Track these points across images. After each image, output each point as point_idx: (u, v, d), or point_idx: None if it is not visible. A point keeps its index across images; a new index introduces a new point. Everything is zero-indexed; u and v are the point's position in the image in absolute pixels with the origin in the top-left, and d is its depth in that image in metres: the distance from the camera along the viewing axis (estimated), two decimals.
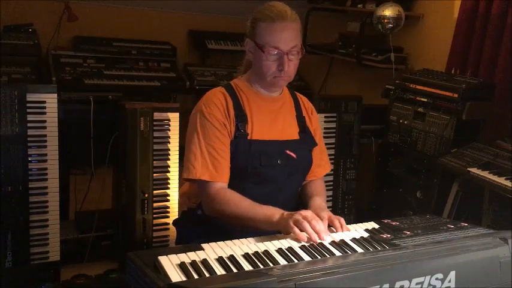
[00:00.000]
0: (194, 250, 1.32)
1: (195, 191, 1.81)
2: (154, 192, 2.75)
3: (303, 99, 1.96)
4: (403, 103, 3.19)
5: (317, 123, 1.97)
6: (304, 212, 1.52)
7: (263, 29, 1.70)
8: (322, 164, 1.96)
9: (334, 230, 1.58)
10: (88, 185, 2.97)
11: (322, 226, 1.49)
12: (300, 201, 1.90)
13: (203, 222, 1.76)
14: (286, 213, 1.56)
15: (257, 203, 1.64)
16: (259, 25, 1.71)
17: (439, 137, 2.94)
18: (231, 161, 1.72)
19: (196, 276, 1.19)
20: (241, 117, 1.74)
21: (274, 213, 1.58)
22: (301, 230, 1.47)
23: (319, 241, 1.46)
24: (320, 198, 1.82)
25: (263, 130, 1.76)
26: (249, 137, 1.74)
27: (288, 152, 1.78)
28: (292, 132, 1.84)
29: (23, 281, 2.45)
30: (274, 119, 1.81)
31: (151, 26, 4.01)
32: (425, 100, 3.05)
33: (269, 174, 1.75)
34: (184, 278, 1.18)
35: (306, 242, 1.45)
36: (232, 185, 1.72)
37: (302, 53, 1.75)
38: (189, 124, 1.79)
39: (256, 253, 1.34)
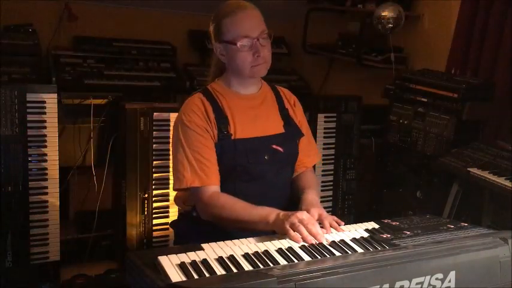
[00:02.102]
0: (194, 250, 1.32)
1: (188, 195, 1.82)
2: (154, 192, 2.75)
3: (285, 92, 1.97)
4: (403, 103, 3.19)
5: (301, 114, 1.97)
6: (300, 215, 1.52)
7: (228, 24, 1.73)
8: (311, 154, 1.96)
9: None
10: (88, 185, 2.97)
11: (318, 229, 1.49)
12: (293, 194, 1.89)
13: (200, 223, 1.77)
14: (282, 213, 1.56)
15: (252, 205, 1.64)
16: (223, 23, 1.74)
17: (439, 137, 2.94)
18: (219, 163, 1.73)
19: (196, 276, 1.19)
20: (222, 119, 1.75)
21: (270, 213, 1.58)
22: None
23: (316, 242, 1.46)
24: (312, 192, 1.81)
25: (246, 128, 1.77)
26: (232, 137, 1.75)
27: (274, 146, 1.79)
28: (276, 127, 1.84)
29: (23, 281, 2.45)
30: (256, 116, 1.81)
31: (151, 26, 4.00)
32: (425, 100, 3.04)
33: (258, 171, 1.76)
34: (184, 278, 1.18)
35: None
36: (223, 186, 1.72)
37: (271, 35, 1.76)
38: (172, 136, 1.81)
39: (256, 253, 1.34)
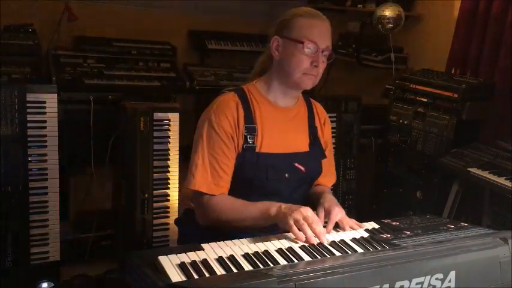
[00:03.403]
0: (194, 250, 1.32)
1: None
2: (154, 192, 2.74)
3: (318, 108, 1.91)
4: (403, 103, 3.19)
5: (329, 134, 1.92)
6: (304, 211, 1.50)
7: (302, 23, 1.69)
8: (328, 175, 1.92)
9: (339, 230, 1.58)
10: (88, 185, 2.97)
11: (322, 229, 1.49)
12: (306, 200, 1.88)
13: None
14: (283, 206, 1.54)
15: (250, 202, 1.63)
16: (297, 20, 1.70)
17: (439, 137, 2.94)
18: (238, 172, 1.70)
19: (196, 276, 1.19)
20: (250, 129, 1.70)
21: (270, 206, 1.57)
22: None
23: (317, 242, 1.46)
24: (331, 195, 1.79)
25: (272, 142, 1.73)
26: (257, 149, 1.70)
27: (296, 165, 1.75)
28: (302, 144, 1.80)
29: (23, 281, 2.45)
30: (284, 130, 1.77)
31: (151, 26, 4.00)
32: (425, 100, 3.05)
33: (275, 188, 1.72)
34: (184, 278, 1.18)
35: (304, 243, 1.45)
36: (237, 196, 1.69)
37: (332, 57, 1.73)
38: (196, 129, 1.75)
39: (256, 253, 1.34)
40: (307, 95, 1.92)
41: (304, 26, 1.69)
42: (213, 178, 1.67)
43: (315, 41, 1.67)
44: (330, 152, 1.92)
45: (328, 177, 1.93)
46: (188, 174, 1.70)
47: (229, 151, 1.68)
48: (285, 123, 1.78)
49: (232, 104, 1.72)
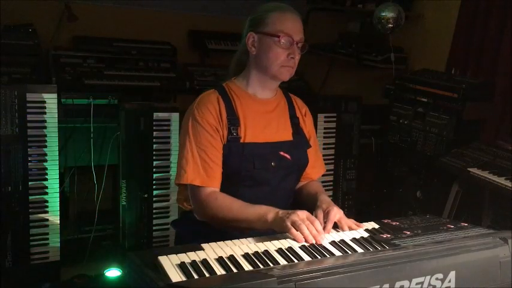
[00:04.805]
0: (194, 250, 1.31)
1: (189, 195, 1.81)
2: (155, 192, 2.75)
3: (297, 101, 1.96)
4: (403, 103, 3.19)
5: (311, 124, 1.96)
6: (301, 214, 1.51)
7: (275, 18, 1.74)
8: (316, 166, 1.95)
9: (339, 230, 1.59)
10: (88, 185, 2.97)
11: (320, 228, 1.49)
12: (299, 201, 1.89)
13: (201, 223, 1.76)
14: (281, 211, 1.55)
15: (249, 204, 1.64)
16: (270, 15, 1.75)
17: (439, 137, 2.94)
18: (225, 164, 1.72)
19: (196, 276, 1.19)
20: (233, 120, 1.74)
21: (268, 212, 1.57)
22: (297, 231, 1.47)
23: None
24: (326, 196, 1.80)
25: (256, 133, 1.76)
26: (241, 140, 1.74)
27: (282, 153, 1.78)
28: (285, 134, 1.84)
29: (23, 281, 2.46)
30: (267, 121, 1.80)
31: (151, 26, 4.00)
32: (425, 100, 3.05)
33: (263, 177, 1.75)
34: (184, 278, 1.18)
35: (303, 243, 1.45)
36: (226, 189, 1.71)
37: (305, 48, 1.77)
38: (181, 128, 1.79)
39: (256, 253, 1.34)
40: (291, 92, 1.95)
41: (278, 21, 1.74)
42: (205, 170, 1.69)
43: (289, 34, 1.72)
44: (314, 142, 1.95)
45: (316, 169, 1.95)
46: (178, 170, 1.72)
47: (216, 142, 1.71)
48: (266, 114, 1.81)
49: (213, 98, 1.77)
